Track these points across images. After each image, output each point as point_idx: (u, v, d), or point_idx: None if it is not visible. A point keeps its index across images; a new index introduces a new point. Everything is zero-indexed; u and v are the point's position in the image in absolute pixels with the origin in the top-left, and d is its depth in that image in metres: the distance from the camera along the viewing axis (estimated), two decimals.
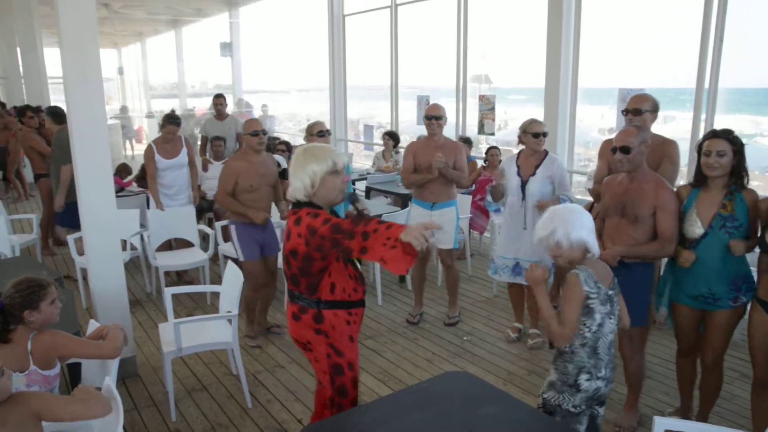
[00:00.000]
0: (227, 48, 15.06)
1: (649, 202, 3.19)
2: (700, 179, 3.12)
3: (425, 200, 4.92)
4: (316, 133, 4.82)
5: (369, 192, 7.62)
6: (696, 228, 3.08)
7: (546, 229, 2.48)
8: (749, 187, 3.05)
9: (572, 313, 2.43)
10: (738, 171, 3.01)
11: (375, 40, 10.27)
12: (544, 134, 4.41)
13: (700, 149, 3.07)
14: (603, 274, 2.52)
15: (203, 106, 21.82)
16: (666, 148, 3.78)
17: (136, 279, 6.16)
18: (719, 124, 5.64)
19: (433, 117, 4.74)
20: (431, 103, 5.02)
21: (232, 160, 4.73)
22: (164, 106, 25.97)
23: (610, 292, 2.50)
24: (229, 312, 3.86)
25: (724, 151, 2.97)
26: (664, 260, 3.48)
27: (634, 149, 3.19)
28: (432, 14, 9.73)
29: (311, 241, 2.47)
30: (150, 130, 21.39)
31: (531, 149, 4.43)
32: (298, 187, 2.56)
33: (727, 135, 3.00)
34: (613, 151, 3.27)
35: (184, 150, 5.89)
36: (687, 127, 5.72)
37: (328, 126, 5.25)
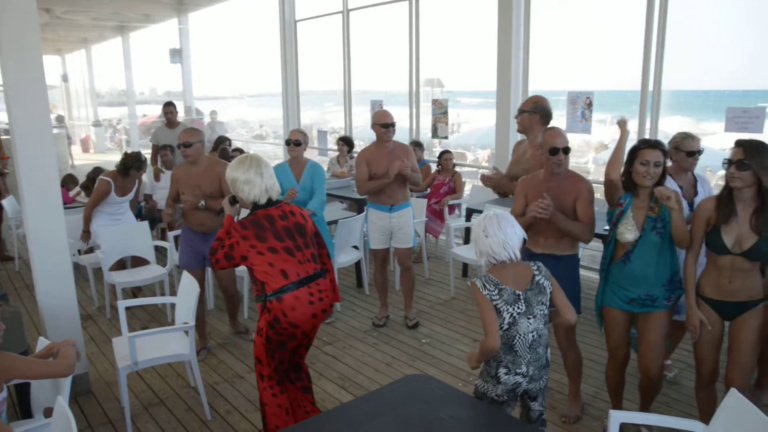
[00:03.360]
0: (177, 54, 14.75)
1: (570, 195, 3.35)
2: (630, 186, 3.13)
3: (383, 204, 4.94)
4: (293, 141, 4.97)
5: None
6: (632, 233, 3.08)
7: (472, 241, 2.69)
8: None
9: (486, 319, 2.53)
10: (664, 177, 3.08)
11: (327, 45, 10.25)
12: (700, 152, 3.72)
13: (632, 157, 3.08)
14: (517, 276, 2.57)
15: (153, 113, 21.31)
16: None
17: (87, 292, 5.98)
18: (663, 126, 5.87)
19: (390, 125, 4.78)
20: (383, 108, 5.03)
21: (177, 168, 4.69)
22: (112, 114, 25.31)
23: (518, 292, 2.54)
24: (186, 323, 3.79)
25: (660, 161, 3.02)
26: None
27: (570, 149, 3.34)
28: (384, 19, 9.79)
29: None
30: (97, 138, 20.82)
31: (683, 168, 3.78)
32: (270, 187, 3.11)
33: (661, 145, 3.07)
34: (553, 152, 3.29)
35: (137, 184, 5.90)
36: (633, 129, 5.90)
37: (280, 131, 5.28)
